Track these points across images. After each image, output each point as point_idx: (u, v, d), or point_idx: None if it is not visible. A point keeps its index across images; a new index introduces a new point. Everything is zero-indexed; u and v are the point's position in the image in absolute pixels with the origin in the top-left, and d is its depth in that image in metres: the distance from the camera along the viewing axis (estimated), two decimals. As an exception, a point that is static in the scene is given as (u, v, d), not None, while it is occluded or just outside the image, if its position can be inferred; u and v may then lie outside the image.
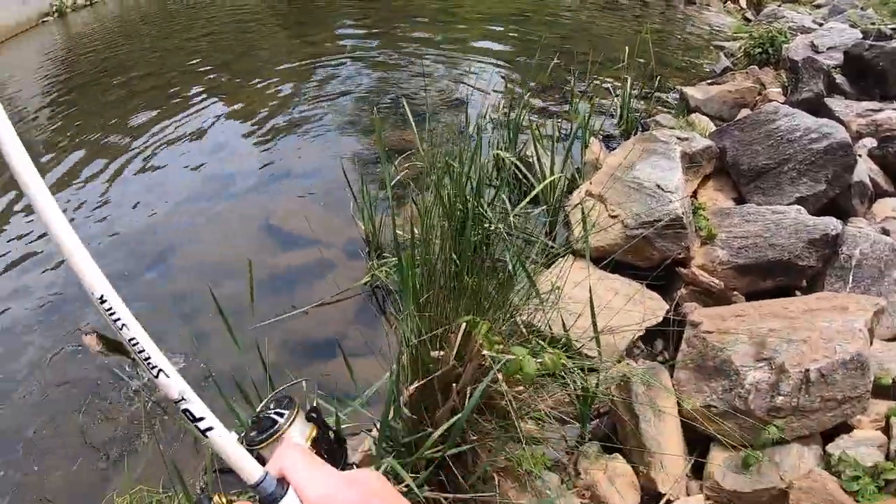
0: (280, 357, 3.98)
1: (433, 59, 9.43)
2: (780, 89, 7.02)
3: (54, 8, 26.52)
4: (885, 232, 4.32)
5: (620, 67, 6.80)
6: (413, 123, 4.72)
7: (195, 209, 5.99)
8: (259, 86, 9.06)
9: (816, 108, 6.42)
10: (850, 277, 3.87)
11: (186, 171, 6.76)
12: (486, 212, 3.92)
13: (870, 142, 5.67)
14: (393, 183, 4.58)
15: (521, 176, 5.00)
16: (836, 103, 6.36)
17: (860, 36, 7.88)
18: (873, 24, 8.51)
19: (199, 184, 6.48)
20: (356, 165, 6.08)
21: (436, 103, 7.32)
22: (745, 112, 6.51)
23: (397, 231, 4.31)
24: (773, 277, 3.97)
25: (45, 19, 26.15)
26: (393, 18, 12.78)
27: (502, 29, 11.37)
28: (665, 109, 6.92)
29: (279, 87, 8.86)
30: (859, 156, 5.26)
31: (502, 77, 8.25)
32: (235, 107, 8.30)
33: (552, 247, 4.07)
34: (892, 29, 7.99)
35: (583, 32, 10.88)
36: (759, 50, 8.02)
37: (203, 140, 7.45)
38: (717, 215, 4.34)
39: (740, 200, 4.76)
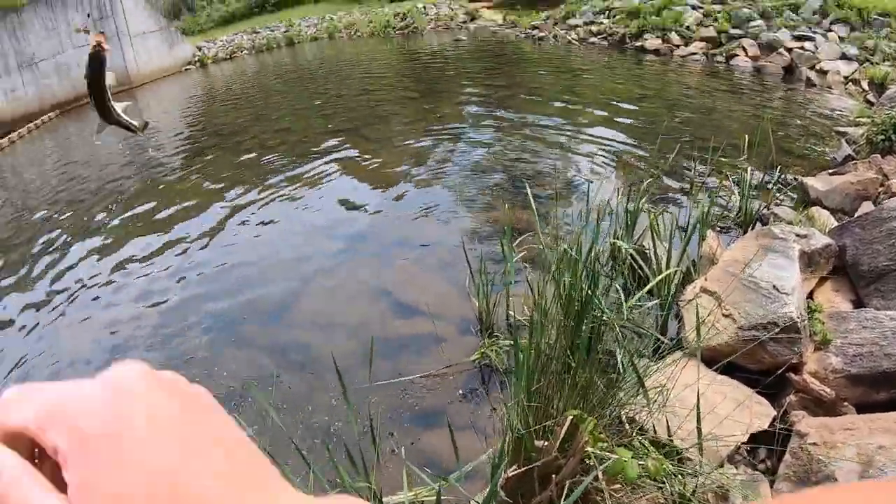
0: (383, 420, 4.13)
1: (554, 138, 9.60)
2: (905, 180, 6.79)
3: (197, 58, 29.32)
4: None
5: (741, 159, 6.74)
6: (534, 206, 4.85)
7: (314, 266, 6.31)
8: (385, 152, 9.51)
9: (946, 201, 6.18)
10: (977, 395, 3.72)
11: (309, 228, 7.14)
12: (600, 302, 3.99)
13: None
14: (512, 262, 4.71)
15: (636, 266, 5.04)
16: (967, 196, 6.12)
17: None
18: None
19: (320, 241, 6.83)
20: (473, 241, 6.27)
21: (555, 184, 7.44)
22: (867, 205, 6.32)
23: (510, 312, 4.44)
24: (888, 389, 3.84)
25: (187, 67, 29.15)
26: (516, 95, 13.15)
27: (624, 109, 11.51)
28: (784, 201, 6.79)
29: (404, 156, 9.27)
30: None
31: (622, 160, 8.30)
32: (361, 170, 8.74)
33: (663, 342, 4.09)
34: None
35: (703, 116, 10.81)
36: (882, 137, 7.76)
37: (327, 199, 7.88)
38: (833, 319, 4.24)
39: (858, 303, 4.62)
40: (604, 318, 3.71)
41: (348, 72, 19.89)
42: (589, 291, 3.68)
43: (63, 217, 8.78)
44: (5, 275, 7.17)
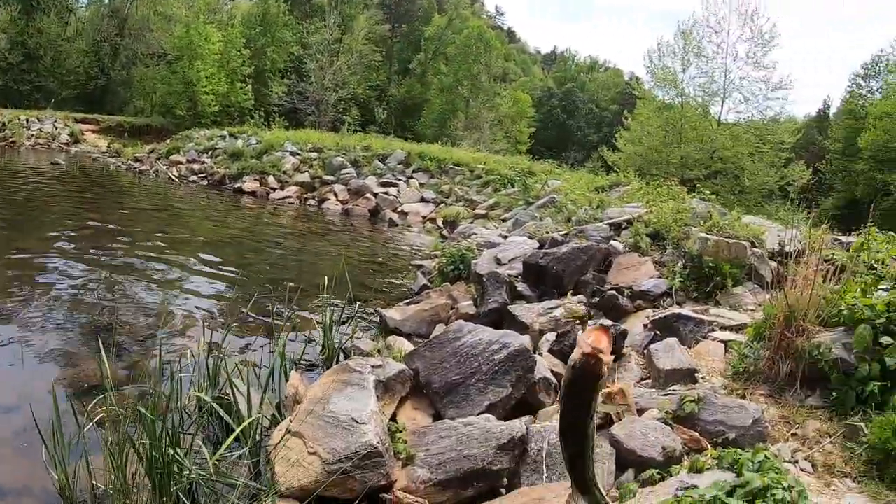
0: None
1: (144, 281, 9.12)
2: (470, 302, 7.76)
3: None
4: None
5: (324, 297, 7.11)
6: (106, 362, 4.51)
7: None
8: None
9: (502, 316, 7.20)
10: (544, 468, 4.28)
11: None
12: (183, 461, 3.83)
13: (552, 336, 6.45)
14: (87, 428, 4.29)
15: (222, 417, 4.90)
16: (518, 309, 7.17)
17: (537, 245, 9.03)
18: (548, 232, 9.72)
19: None
20: (48, 401, 5.50)
21: (138, 334, 6.99)
22: (440, 327, 7.09)
23: (94, 483, 4.01)
24: (473, 485, 4.24)
25: None
26: (110, 232, 12.35)
27: (216, 255, 11.45)
28: (367, 333, 7.28)
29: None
30: (539, 355, 5.96)
31: (210, 307, 8.17)
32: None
33: (256, 488, 4.04)
34: (564, 235, 9.27)
35: (293, 257, 11.31)
36: (452, 267, 8.87)
37: None
38: (416, 434, 4.61)
39: (437, 416, 5.07)
40: (191, 475, 3.56)
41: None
42: (171, 451, 3.54)
43: None
44: None
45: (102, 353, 4.61)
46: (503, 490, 4.28)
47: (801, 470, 4.41)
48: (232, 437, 4.22)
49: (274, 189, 20.95)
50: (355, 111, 41.68)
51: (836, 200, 42.62)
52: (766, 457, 3.82)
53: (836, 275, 5.90)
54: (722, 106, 35.60)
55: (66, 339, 6.82)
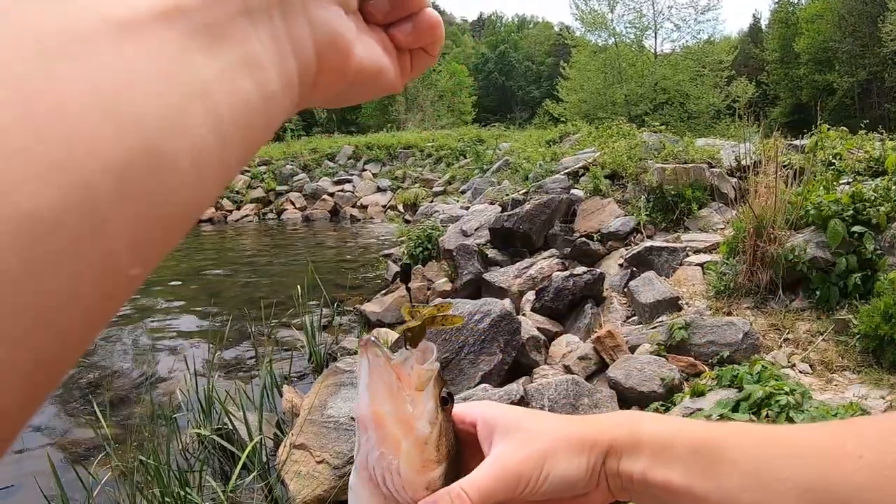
0: None
1: (119, 335, 8.91)
2: (445, 279, 7.78)
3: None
4: (567, 369, 4.94)
5: (299, 305, 7.08)
6: (101, 417, 4.47)
7: None
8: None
9: (479, 285, 7.23)
10: (549, 425, 4.29)
11: None
12: (196, 499, 3.81)
13: (532, 295, 6.51)
14: (96, 492, 4.24)
15: (225, 446, 4.87)
16: (493, 275, 7.22)
17: (500, 209, 9.04)
18: (507, 195, 9.72)
19: None
20: (61, 462, 5.44)
21: (125, 385, 6.87)
22: (421, 310, 7.08)
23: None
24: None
25: None
26: None
27: (185, 289, 11.25)
28: (351, 332, 7.26)
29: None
30: (523, 315, 6.00)
31: (190, 342, 8.00)
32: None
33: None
34: (524, 194, 9.29)
35: (262, 276, 11.18)
36: (420, 248, 8.86)
37: None
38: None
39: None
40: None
41: None
42: (182, 493, 3.52)
43: None
44: None
45: (97, 411, 4.55)
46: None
47: (800, 372, 4.51)
48: (239, 464, 4.21)
49: (230, 211, 20.70)
50: (295, 116, 41.27)
51: (783, 108, 43.27)
52: (763, 367, 3.88)
53: (796, 178, 6.00)
54: (655, 38, 36.06)
55: (55, 408, 6.69)
